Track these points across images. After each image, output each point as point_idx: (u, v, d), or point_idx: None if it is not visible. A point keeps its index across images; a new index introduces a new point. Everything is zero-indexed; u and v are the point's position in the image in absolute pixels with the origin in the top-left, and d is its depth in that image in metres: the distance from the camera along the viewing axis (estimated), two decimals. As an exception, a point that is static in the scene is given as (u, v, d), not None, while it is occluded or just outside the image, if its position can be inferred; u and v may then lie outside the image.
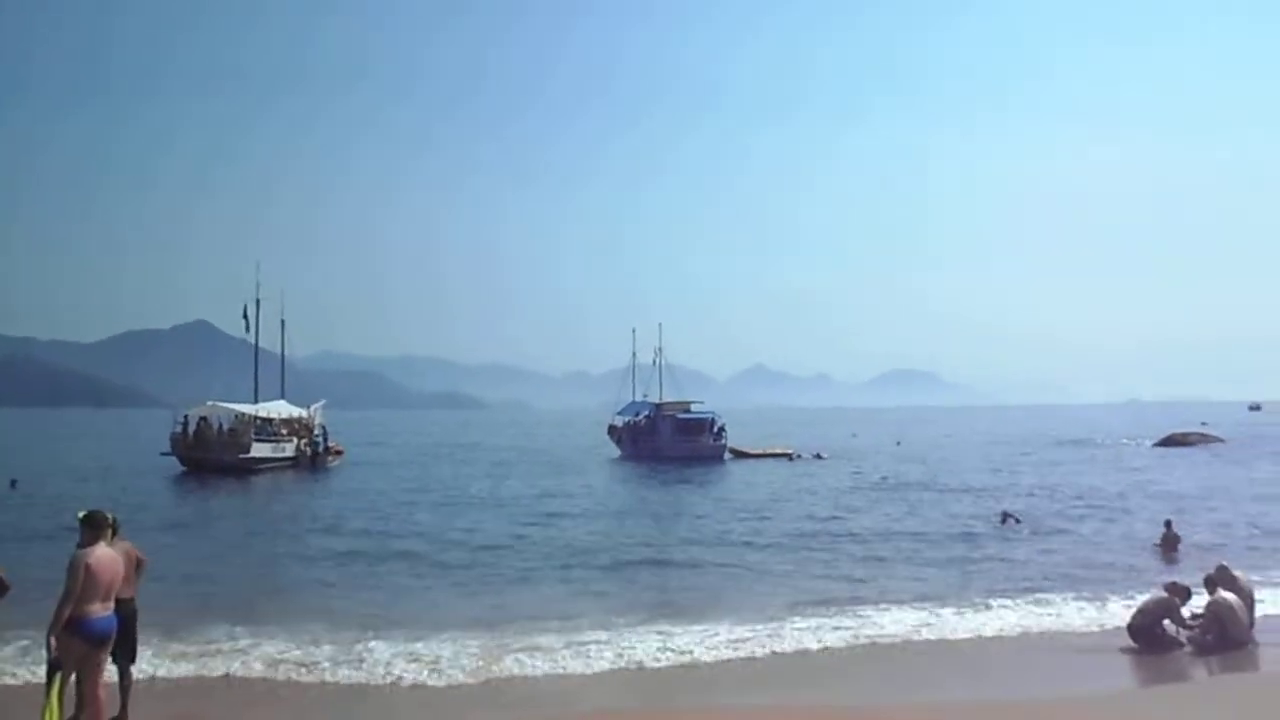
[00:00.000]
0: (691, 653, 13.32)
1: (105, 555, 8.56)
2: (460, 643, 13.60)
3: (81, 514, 8.70)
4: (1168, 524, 23.32)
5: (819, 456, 58.94)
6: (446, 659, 12.76)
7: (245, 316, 55.59)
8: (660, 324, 69.20)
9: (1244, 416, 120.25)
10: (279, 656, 12.87)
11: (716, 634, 14.22)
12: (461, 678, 12.11)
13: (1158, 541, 22.99)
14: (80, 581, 8.29)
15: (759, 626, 14.73)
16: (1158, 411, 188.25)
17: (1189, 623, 13.67)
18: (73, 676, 8.51)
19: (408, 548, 23.49)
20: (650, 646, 13.52)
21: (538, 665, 12.59)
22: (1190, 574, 17.84)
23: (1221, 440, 67.32)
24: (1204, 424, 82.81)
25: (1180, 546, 22.37)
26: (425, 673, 12.23)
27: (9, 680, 11.59)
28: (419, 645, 13.42)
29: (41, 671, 8.77)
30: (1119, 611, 15.62)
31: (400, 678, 12.06)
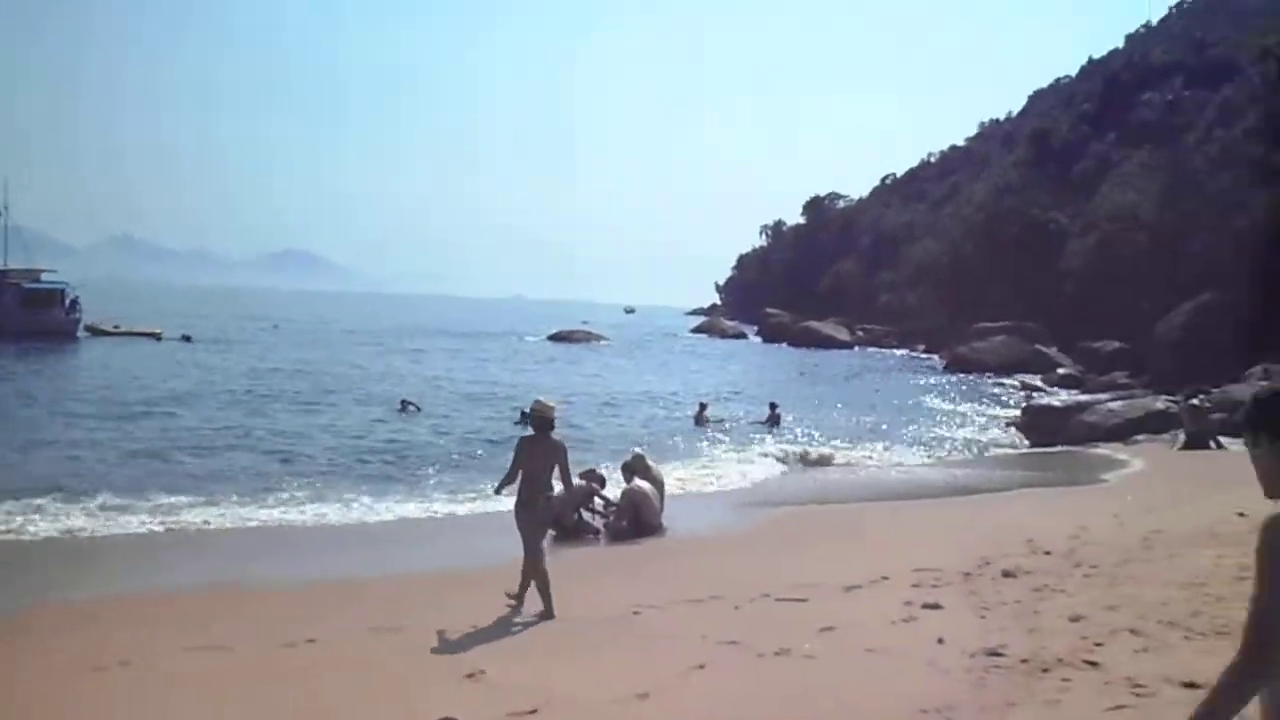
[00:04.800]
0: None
1: None
2: None
3: None
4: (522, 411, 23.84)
5: (187, 339, 52.81)
6: None
7: None
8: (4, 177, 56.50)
9: (621, 319, 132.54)
10: None
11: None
12: None
13: (518, 420, 23.20)
14: None
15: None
16: (543, 308, 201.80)
17: (605, 510, 13.75)
18: None
19: None
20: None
21: None
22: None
23: (605, 339, 70.54)
24: (585, 322, 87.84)
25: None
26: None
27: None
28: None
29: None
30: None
31: None
